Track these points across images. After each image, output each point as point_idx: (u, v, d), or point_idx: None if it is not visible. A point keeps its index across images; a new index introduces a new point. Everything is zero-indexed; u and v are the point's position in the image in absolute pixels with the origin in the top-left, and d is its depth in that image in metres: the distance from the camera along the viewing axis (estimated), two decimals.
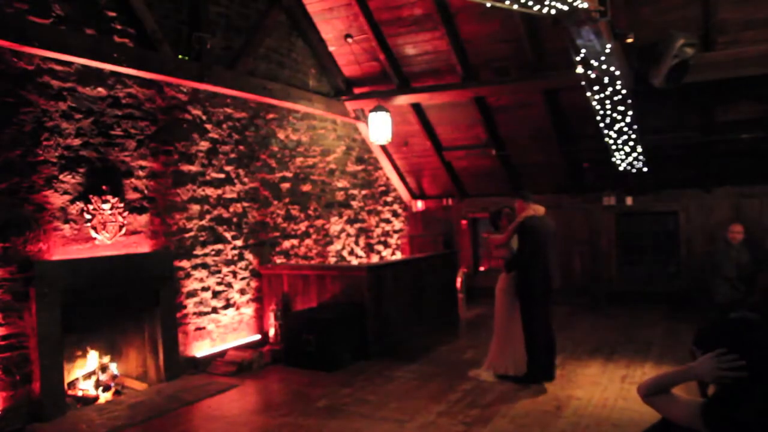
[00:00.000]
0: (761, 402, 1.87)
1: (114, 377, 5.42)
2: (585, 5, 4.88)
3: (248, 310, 6.81)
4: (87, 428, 4.45)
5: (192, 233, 6.12)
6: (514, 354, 5.40)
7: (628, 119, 6.82)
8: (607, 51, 5.65)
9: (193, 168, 6.18)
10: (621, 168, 7.96)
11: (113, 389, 5.31)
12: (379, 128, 7.88)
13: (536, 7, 4.90)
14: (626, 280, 9.28)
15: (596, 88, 6.29)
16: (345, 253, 8.85)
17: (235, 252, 6.66)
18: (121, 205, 5.34)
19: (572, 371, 5.63)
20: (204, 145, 6.32)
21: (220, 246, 6.44)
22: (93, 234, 5.08)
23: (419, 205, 10.76)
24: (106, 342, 5.56)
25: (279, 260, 7.34)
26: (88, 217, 5.05)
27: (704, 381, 2.20)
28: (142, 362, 5.67)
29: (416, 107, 8.90)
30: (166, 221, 5.83)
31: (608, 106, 6.61)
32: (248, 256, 6.85)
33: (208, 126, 6.40)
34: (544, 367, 5.36)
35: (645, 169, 7.99)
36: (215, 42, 6.41)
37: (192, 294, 6.09)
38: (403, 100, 8.55)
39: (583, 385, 5.22)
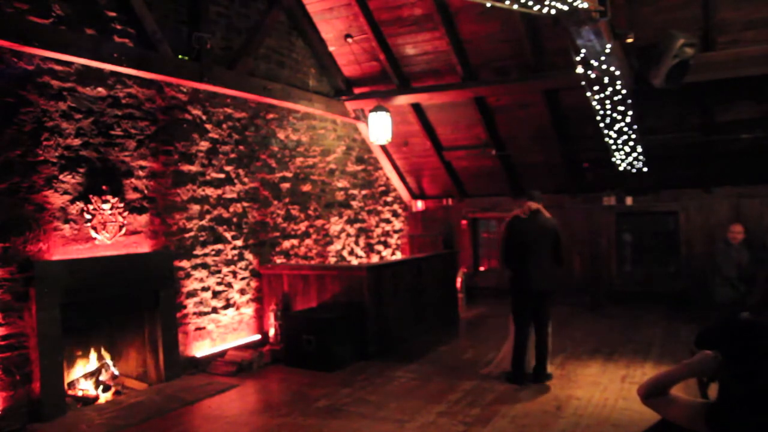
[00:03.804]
0: (765, 404, 1.87)
1: (114, 377, 5.42)
2: (585, 5, 4.88)
3: (248, 310, 6.81)
4: (87, 428, 4.45)
5: (192, 233, 6.12)
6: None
7: (628, 119, 6.82)
8: (607, 51, 5.65)
9: (193, 168, 6.18)
10: (621, 168, 7.96)
11: (113, 389, 5.31)
12: (379, 128, 7.88)
13: (536, 7, 4.90)
14: (626, 280, 9.29)
15: (596, 88, 6.29)
16: (345, 253, 8.85)
17: (235, 252, 6.66)
18: (121, 205, 5.34)
19: (572, 371, 5.63)
20: (204, 145, 6.33)
21: (220, 246, 6.44)
22: (93, 234, 5.09)
23: (419, 205, 10.77)
24: (106, 342, 5.56)
25: (279, 260, 7.34)
26: (88, 217, 5.06)
27: (702, 377, 2.21)
28: (142, 362, 5.67)
29: (416, 107, 8.91)
30: (166, 221, 5.84)
31: (608, 106, 6.61)
32: (248, 256, 6.85)
33: (208, 126, 6.40)
34: (542, 368, 5.41)
35: (645, 169, 7.99)
36: (215, 42, 6.41)
37: (192, 294, 6.09)
38: (403, 100, 8.55)
39: (583, 385, 5.22)
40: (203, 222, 6.26)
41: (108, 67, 5.25)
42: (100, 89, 5.25)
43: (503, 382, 5.35)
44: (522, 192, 9.45)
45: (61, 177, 4.90)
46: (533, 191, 5.64)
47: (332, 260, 8.50)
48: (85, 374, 5.28)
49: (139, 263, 5.44)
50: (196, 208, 6.18)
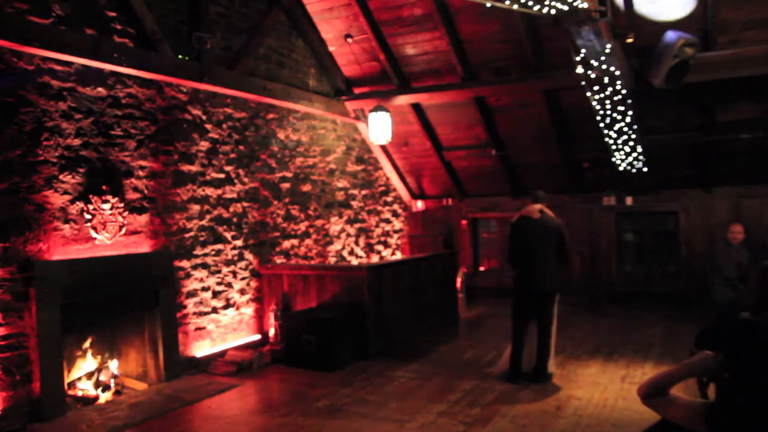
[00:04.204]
0: (764, 404, 1.87)
1: (114, 377, 5.42)
2: (585, 5, 4.88)
3: (248, 310, 6.81)
4: (87, 428, 4.45)
5: (192, 233, 6.12)
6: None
7: (628, 119, 6.82)
8: (607, 51, 5.65)
9: (193, 168, 6.18)
10: (621, 168, 7.96)
11: (113, 389, 5.31)
12: (379, 128, 7.88)
13: (536, 7, 4.90)
14: (626, 280, 9.29)
15: (596, 88, 6.29)
16: (345, 253, 8.85)
17: (235, 252, 6.66)
18: (121, 205, 5.34)
19: (572, 371, 5.63)
20: (204, 145, 6.32)
21: (220, 246, 6.44)
22: (93, 234, 5.09)
23: (419, 205, 10.76)
24: (106, 342, 5.56)
25: (279, 260, 7.34)
26: (88, 217, 5.06)
27: (702, 377, 2.20)
28: (142, 362, 5.67)
29: (416, 107, 8.90)
30: (166, 221, 5.84)
31: (608, 106, 6.61)
32: (248, 256, 6.85)
33: (208, 126, 6.40)
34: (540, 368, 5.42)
35: (645, 169, 7.99)
36: (215, 42, 6.41)
37: (192, 294, 6.09)
38: (403, 100, 8.55)
39: (583, 385, 5.22)
40: (203, 222, 6.26)
41: (108, 67, 5.25)
42: (100, 89, 5.25)
43: (503, 382, 5.35)
44: (522, 192, 9.47)
45: (61, 177, 4.90)
46: (537, 191, 5.66)
47: (332, 260, 8.50)
48: (85, 374, 5.28)
49: (139, 263, 5.43)
50: (196, 208, 6.18)
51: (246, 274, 6.80)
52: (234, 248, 6.64)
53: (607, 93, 6.33)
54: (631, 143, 7.34)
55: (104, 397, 5.18)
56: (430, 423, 4.44)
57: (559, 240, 5.38)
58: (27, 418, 4.51)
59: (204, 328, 6.21)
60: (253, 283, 6.90)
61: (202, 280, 6.21)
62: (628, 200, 9.01)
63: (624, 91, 6.30)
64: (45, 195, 4.78)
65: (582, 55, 5.78)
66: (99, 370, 5.35)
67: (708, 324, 2.29)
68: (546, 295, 5.36)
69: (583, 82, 6.29)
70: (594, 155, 8.47)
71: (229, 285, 6.56)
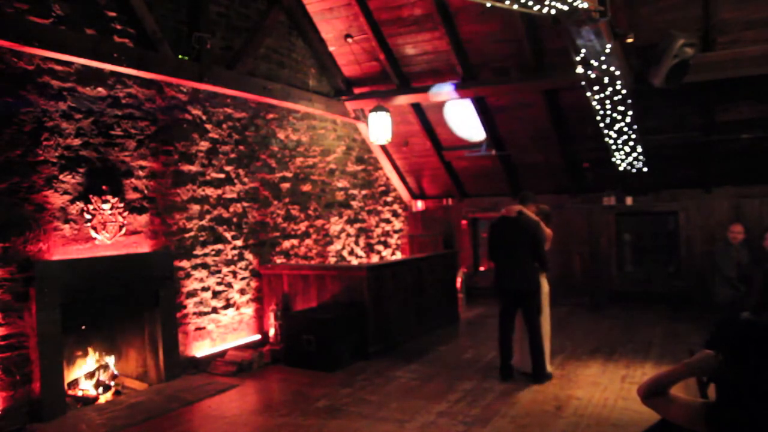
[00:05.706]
0: (764, 404, 1.87)
1: (114, 377, 5.42)
2: (585, 5, 4.88)
3: (248, 310, 6.81)
4: (87, 428, 4.45)
5: (192, 233, 6.12)
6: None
7: (628, 119, 6.83)
8: (607, 51, 5.65)
9: (193, 168, 6.18)
10: (621, 168, 7.96)
11: (113, 389, 5.31)
12: (379, 128, 7.87)
13: (536, 7, 4.90)
14: (626, 280, 9.29)
15: (596, 88, 6.29)
16: (345, 253, 8.85)
17: (235, 252, 6.66)
18: (121, 205, 5.34)
19: (572, 371, 5.62)
20: (204, 145, 6.32)
21: (220, 246, 6.44)
22: (93, 234, 5.09)
23: (419, 205, 10.76)
24: (106, 342, 5.56)
25: (279, 260, 7.34)
26: (88, 217, 5.06)
27: (702, 377, 2.20)
28: (142, 362, 5.67)
29: (416, 107, 8.90)
30: (166, 221, 5.83)
31: (608, 106, 6.61)
32: (248, 256, 6.85)
33: (208, 126, 6.40)
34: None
35: (645, 169, 7.99)
36: (215, 42, 6.41)
37: (192, 294, 6.09)
38: (403, 100, 8.55)
39: (583, 385, 5.21)
40: (203, 222, 6.26)
41: (108, 67, 5.25)
42: (100, 89, 5.25)
43: (503, 382, 5.35)
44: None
45: (61, 177, 4.90)
46: (525, 192, 5.81)
47: (332, 260, 8.50)
48: (85, 374, 5.28)
49: (139, 263, 5.43)
50: (196, 208, 6.17)
51: (246, 274, 6.80)
52: (234, 248, 6.64)
53: (607, 93, 6.34)
54: (631, 143, 7.35)
55: (104, 397, 5.18)
56: (430, 423, 4.44)
57: (531, 241, 5.34)
58: (27, 418, 4.52)
59: (204, 328, 6.21)
60: (253, 283, 6.90)
61: (202, 280, 6.21)
62: (628, 200, 9.01)
63: (624, 91, 6.31)
64: (45, 195, 4.78)
65: (582, 55, 5.78)
66: (99, 370, 5.35)
67: (719, 324, 2.27)
68: (523, 294, 5.37)
69: (583, 82, 6.29)
70: (594, 155, 8.47)
71: (229, 285, 6.56)
